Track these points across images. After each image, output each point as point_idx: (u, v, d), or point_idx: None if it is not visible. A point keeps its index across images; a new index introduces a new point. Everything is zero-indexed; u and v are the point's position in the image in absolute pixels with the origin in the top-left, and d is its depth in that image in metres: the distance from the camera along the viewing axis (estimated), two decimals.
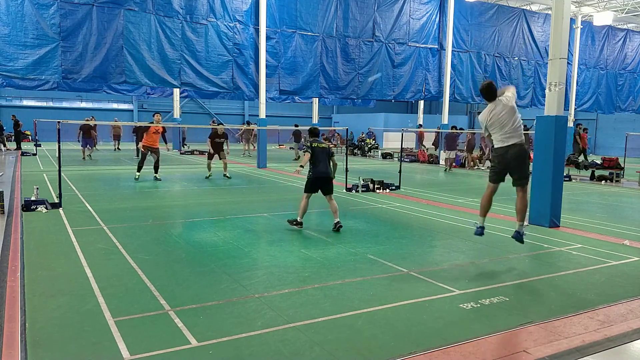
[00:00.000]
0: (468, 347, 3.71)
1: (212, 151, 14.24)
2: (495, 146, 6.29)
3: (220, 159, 14.27)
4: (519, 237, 6.38)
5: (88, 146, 20.22)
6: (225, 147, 14.30)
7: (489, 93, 6.28)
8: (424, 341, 3.81)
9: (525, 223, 6.48)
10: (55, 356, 3.46)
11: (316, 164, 7.69)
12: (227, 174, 14.53)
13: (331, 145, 29.70)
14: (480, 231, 6.42)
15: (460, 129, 20.19)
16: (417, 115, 27.83)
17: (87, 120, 20.89)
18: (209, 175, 14.34)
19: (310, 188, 7.75)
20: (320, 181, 7.71)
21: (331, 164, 7.88)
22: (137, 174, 13.31)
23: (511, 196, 12.02)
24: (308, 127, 8.84)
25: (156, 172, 13.67)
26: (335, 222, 7.65)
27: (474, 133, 19.66)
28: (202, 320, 4.11)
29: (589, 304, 4.70)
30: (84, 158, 19.72)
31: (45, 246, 6.39)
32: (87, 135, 19.88)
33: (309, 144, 7.83)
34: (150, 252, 6.23)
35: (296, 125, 23.84)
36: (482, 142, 21.17)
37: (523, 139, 6.22)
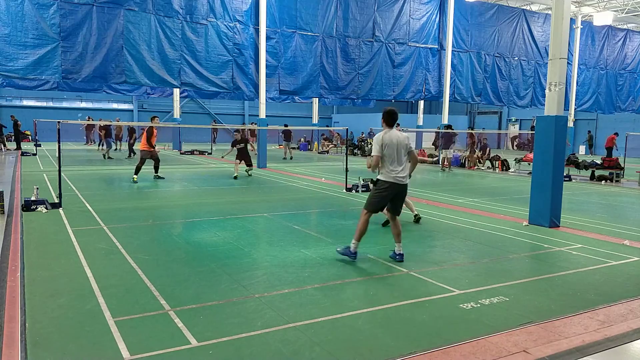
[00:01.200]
0: (468, 347, 3.71)
1: (237, 158, 14.98)
2: (387, 179, 5.88)
3: (246, 165, 15.07)
4: (399, 257, 5.98)
5: (104, 146, 20.72)
6: (250, 149, 15.25)
7: (393, 118, 6.01)
8: (424, 341, 3.81)
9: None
10: (55, 356, 3.46)
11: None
12: (249, 173, 15.41)
13: (331, 146, 29.74)
14: (354, 257, 5.94)
15: (449, 127, 20.05)
16: (417, 115, 27.81)
17: (89, 119, 21.27)
18: (236, 176, 14.73)
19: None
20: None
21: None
22: (135, 176, 13.19)
23: (511, 196, 12.08)
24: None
25: (156, 171, 13.70)
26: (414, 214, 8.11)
27: (472, 133, 19.63)
28: (202, 320, 4.11)
29: (589, 304, 4.70)
30: (109, 157, 20.36)
31: (45, 246, 6.39)
32: (108, 135, 20.56)
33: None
34: (150, 252, 6.23)
35: (285, 125, 24.03)
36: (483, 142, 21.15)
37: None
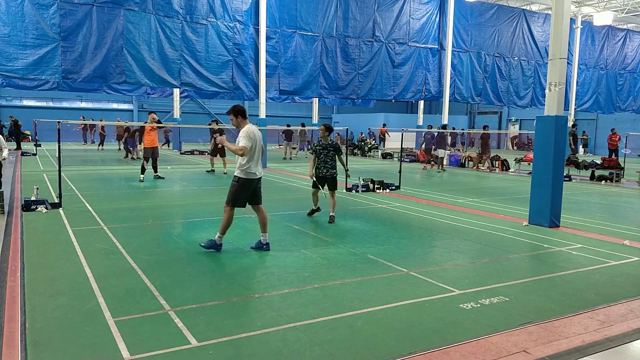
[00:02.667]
0: (468, 347, 3.71)
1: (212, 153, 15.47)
2: (250, 174, 6.12)
3: (221, 157, 15.62)
4: (262, 246, 6.33)
5: (103, 145, 20.78)
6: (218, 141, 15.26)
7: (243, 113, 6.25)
8: (424, 341, 3.81)
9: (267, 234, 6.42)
10: (55, 356, 3.46)
11: (319, 164, 8.39)
12: (224, 170, 15.62)
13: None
14: (220, 248, 6.22)
15: (446, 127, 20.06)
16: (417, 115, 27.80)
17: (82, 119, 21.39)
18: (211, 170, 15.41)
19: (314, 184, 8.52)
20: (322, 180, 8.45)
21: (337, 162, 8.58)
22: (142, 176, 13.29)
23: (511, 196, 12.07)
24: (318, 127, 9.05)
25: (156, 171, 13.71)
26: (331, 215, 8.45)
27: (486, 134, 19.51)
28: (202, 320, 4.11)
29: (589, 304, 4.70)
30: (133, 158, 20.49)
31: (45, 246, 6.39)
32: (132, 136, 20.95)
33: (315, 146, 8.47)
34: (150, 252, 6.22)
35: (288, 125, 24.10)
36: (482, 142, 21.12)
37: None
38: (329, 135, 8.47)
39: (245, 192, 6.19)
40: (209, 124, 16.75)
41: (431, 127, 20.92)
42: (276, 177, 15.42)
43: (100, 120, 28.93)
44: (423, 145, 20.71)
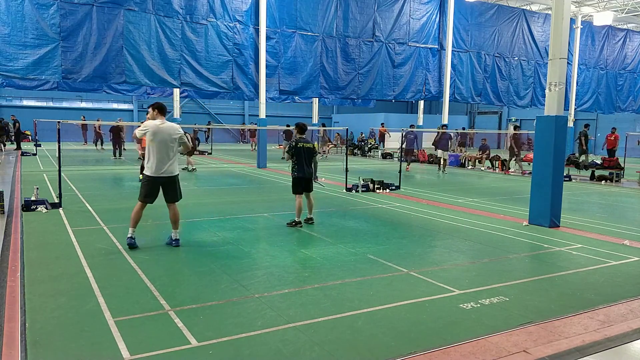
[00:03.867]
0: (468, 347, 3.71)
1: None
2: (152, 172, 6.30)
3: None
4: (172, 242, 6.47)
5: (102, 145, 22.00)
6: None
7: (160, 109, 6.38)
8: (424, 341, 3.81)
9: (178, 231, 6.54)
10: (55, 356, 3.46)
11: (300, 164, 7.82)
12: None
13: (331, 146, 29.84)
14: (133, 242, 6.32)
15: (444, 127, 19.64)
16: (417, 115, 27.80)
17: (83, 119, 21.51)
18: (191, 170, 15.51)
19: (296, 189, 7.93)
20: (303, 181, 7.90)
21: (312, 164, 7.98)
22: (141, 175, 13.22)
23: (511, 196, 12.08)
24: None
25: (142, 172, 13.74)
26: (309, 217, 8.09)
27: (516, 135, 19.26)
28: (202, 320, 4.11)
29: (589, 304, 4.70)
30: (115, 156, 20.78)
31: (45, 246, 6.39)
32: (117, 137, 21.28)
33: (294, 144, 7.88)
34: (150, 252, 6.23)
35: (288, 126, 24.03)
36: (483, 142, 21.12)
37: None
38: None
39: (151, 189, 6.33)
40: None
41: (413, 127, 20.30)
42: (276, 177, 15.43)
43: (98, 120, 28.90)
44: (404, 145, 20.21)
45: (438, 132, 19.01)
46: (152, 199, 6.39)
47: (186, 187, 12.69)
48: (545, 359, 3.57)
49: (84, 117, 30.65)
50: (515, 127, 19.19)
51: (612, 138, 21.40)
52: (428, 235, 7.67)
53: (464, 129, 19.15)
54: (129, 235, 6.32)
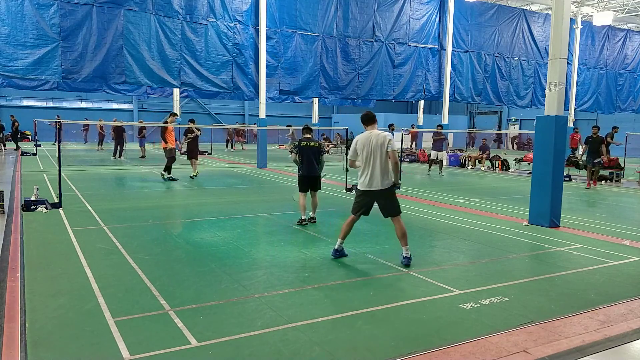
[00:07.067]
0: (468, 347, 3.71)
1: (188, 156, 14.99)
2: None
3: (190, 159, 14.91)
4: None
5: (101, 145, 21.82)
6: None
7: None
8: (424, 341, 3.81)
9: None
10: (55, 356, 3.46)
11: (304, 163, 7.98)
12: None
13: (331, 145, 29.84)
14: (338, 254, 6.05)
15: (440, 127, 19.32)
16: (417, 115, 27.80)
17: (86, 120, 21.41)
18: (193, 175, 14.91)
19: (301, 187, 8.12)
20: (308, 179, 8.05)
21: (319, 162, 8.13)
22: (165, 173, 13.66)
23: (511, 196, 12.07)
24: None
25: (170, 172, 13.75)
26: (312, 216, 8.18)
27: (470, 133, 19.46)
28: (202, 320, 4.11)
29: (589, 304, 4.70)
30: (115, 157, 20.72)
31: (45, 246, 6.39)
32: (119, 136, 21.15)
33: (297, 143, 8.09)
34: (150, 252, 6.22)
35: (289, 126, 24.02)
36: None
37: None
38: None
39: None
40: (188, 122, 15.57)
41: (440, 127, 18.72)
42: (276, 177, 15.43)
43: (99, 120, 28.92)
44: (432, 150, 19.93)
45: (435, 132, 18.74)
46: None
47: (186, 187, 12.71)
48: (545, 359, 3.57)
49: (87, 119, 30.68)
50: (438, 127, 18.02)
51: (577, 138, 21.49)
52: (428, 235, 7.67)
53: (440, 127, 17.91)
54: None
